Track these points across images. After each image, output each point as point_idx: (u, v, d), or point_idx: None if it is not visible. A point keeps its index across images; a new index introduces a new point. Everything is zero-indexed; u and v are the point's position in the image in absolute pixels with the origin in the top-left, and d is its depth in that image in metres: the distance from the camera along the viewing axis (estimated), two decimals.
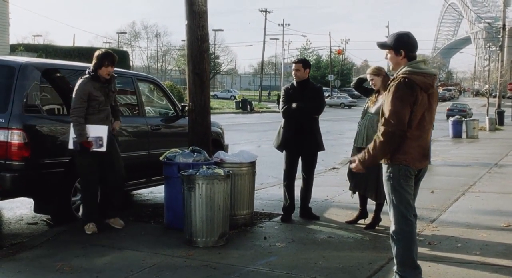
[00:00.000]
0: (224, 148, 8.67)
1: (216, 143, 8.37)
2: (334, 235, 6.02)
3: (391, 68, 4.42)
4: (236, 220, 6.18)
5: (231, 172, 5.74)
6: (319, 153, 6.82)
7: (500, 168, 12.67)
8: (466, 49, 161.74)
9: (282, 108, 6.67)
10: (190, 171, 5.58)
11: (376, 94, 6.29)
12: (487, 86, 52.60)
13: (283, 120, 6.72)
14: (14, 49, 32.43)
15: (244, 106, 46.10)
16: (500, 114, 36.47)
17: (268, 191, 8.87)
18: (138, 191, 8.62)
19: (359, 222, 6.56)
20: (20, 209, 7.44)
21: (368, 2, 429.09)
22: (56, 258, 5.04)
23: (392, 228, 4.13)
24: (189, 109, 6.88)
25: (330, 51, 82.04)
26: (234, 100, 53.51)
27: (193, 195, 5.37)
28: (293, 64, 6.79)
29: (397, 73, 4.07)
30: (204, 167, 5.61)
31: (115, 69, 6.13)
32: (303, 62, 6.75)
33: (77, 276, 4.60)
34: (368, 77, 6.32)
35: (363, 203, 6.56)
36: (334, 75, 77.68)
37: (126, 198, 7.64)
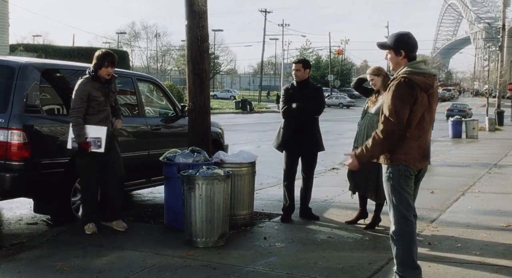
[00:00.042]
0: (224, 148, 8.67)
1: (216, 143, 8.37)
2: (334, 235, 6.02)
3: (391, 68, 4.41)
4: (236, 220, 6.18)
5: (231, 172, 5.74)
6: (319, 153, 6.83)
7: (499, 168, 12.67)
8: (465, 49, 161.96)
9: (282, 109, 6.67)
10: (190, 171, 5.58)
11: (376, 95, 6.29)
12: (486, 86, 52.65)
13: (283, 120, 6.72)
14: (13, 49, 32.47)
15: (244, 106, 46.11)
16: (500, 115, 36.51)
17: (268, 191, 8.87)
18: (138, 191, 8.62)
19: (359, 222, 6.56)
20: (19, 209, 7.43)
21: (368, 2, 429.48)
22: (56, 258, 5.03)
23: (392, 228, 4.13)
24: (189, 109, 6.88)
25: (330, 51, 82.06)
26: (233, 101, 53.54)
27: (193, 195, 5.37)
28: (293, 64, 6.79)
29: (397, 73, 4.07)
30: (204, 167, 5.60)
31: (115, 69, 6.12)
32: (303, 62, 6.75)
33: (77, 276, 4.59)
34: (368, 77, 6.32)
35: (363, 203, 6.56)
36: (334, 75, 77.70)
37: (126, 199, 7.63)
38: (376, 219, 6.40)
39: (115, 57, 6.01)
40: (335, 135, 22.53)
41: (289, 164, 6.74)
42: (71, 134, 5.79)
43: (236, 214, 6.21)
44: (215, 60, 76.15)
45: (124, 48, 74.98)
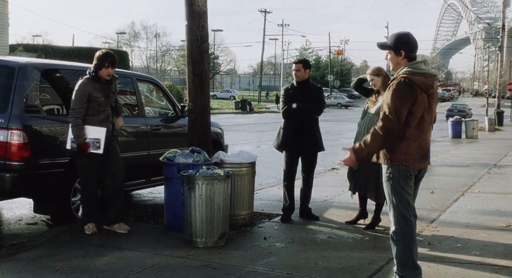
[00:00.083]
0: (223, 148, 8.67)
1: (216, 143, 8.38)
2: (334, 235, 6.02)
3: (391, 68, 4.42)
4: (236, 221, 6.18)
5: (231, 172, 5.74)
6: (319, 153, 6.83)
7: (499, 168, 12.67)
8: (465, 49, 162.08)
9: (282, 109, 6.67)
10: (190, 171, 5.58)
11: (376, 95, 6.29)
12: (486, 86, 52.67)
13: (283, 120, 6.72)
14: (13, 49, 32.46)
15: (244, 106, 46.13)
16: (500, 115, 36.50)
17: (268, 191, 8.87)
18: (138, 191, 8.62)
19: (359, 222, 6.56)
20: (19, 209, 7.43)
21: (368, 2, 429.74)
22: (56, 258, 5.03)
23: (392, 228, 4.13)
24: (189, 109, 6.88)
25: (330, 52, 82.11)
26: (233, 101, 53.54)
27: (193, 195, 5.37)
28: (294, 65, 6.79)
29: (397, 73, 4.07)
30: (204, 167, 5.60)
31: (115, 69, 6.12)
32: (303, 63, 6.75)
33: (77, 276, 4.59)
34: (368, 77, 6.32)
35: (363, 203, 6.56)
36: (334, 75, 77.71)
37: (126, 199, 7.62)
38: (376, 219, 6.40)
39: (116, 58, 6.01)
40: (335, 135, 22.53)
41: (289, 164, 6.74)
42: (70, 135, 5.79)
43: (236, 214, 6.21)
44: (215, 61, 76.18)
45: (124, 48, 75.05)
